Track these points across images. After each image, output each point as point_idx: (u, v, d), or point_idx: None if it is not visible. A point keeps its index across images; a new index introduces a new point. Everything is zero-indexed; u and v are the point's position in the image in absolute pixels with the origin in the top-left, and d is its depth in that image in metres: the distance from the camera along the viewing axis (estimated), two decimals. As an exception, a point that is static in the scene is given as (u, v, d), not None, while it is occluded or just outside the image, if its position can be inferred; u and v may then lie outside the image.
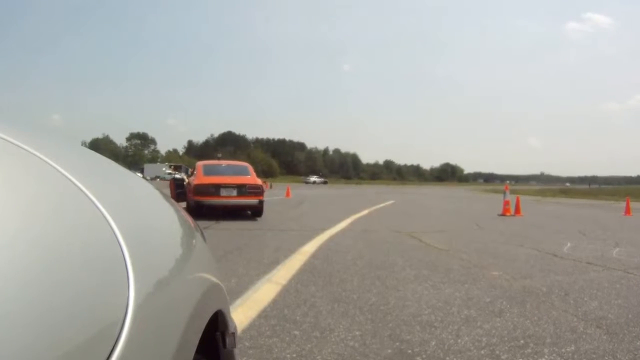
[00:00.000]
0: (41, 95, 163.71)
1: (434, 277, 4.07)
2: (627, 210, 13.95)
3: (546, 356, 2.25)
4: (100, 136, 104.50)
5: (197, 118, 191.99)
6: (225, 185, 9.31)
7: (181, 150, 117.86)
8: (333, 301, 3.18)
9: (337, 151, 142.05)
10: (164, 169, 64.81)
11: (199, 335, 0.70)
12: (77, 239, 0.52)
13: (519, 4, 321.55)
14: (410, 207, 15.89)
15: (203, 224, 7.47)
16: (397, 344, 2.39)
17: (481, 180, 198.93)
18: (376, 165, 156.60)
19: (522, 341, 2.45)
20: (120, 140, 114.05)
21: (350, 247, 5.71)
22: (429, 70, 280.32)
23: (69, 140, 0.81)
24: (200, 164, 10.57)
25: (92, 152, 0.88)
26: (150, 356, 0.52)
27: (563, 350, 2.32)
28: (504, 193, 13.13)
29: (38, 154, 0.59)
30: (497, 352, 2.29)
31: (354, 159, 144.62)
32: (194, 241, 0.90)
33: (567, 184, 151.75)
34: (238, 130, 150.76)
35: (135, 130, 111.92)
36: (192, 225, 1.00)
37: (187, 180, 10.67)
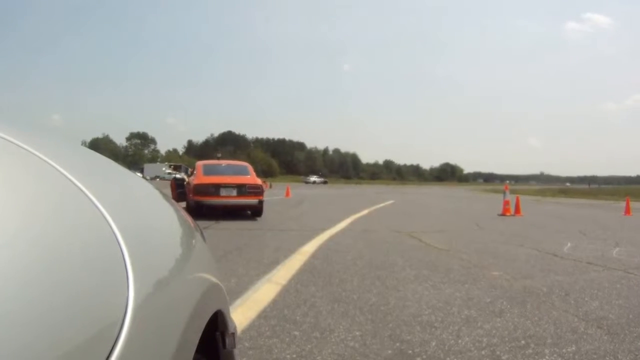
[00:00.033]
0: (41, 95, 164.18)
1: (434, 277, 4.06)
2: (627, 210, 13.94)
3: (547, 357, 2.24)
4: (100, 136, 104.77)
5: (197, 118, 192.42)
6: (225, 185, 9.31)
7: (181, 150, 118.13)
8: (333, 301, 3.17)
9: (336, 151, 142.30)
10: (163, 168, 64.89)
11: (199, 335, 0.70)
12: (76, 239, 0.52)
13: (519, 4, 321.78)
14: (410, 207, 15.88)
15: (203, 223, 7.47)
16: (398, 344, 2.39)
17: (481, 180, 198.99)
18: (376, 165, 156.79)
19: (522, 342, 2.44)
20: (120, 140, 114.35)
21: (350, 247, 5.70)
22: (428, 70, 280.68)
23: (69, 140, 0.81)
24: (200, 163, 10.57)
25: (92, 151, 0.88)
26: (150, 356, 0.52)
27: (564, 350, 2.32)
28: (504, 193, 13.12)
29: (38, 153, 0.59)
30: (498, 352, 2.28)
31: (354, 158, 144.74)
32: (193, 241, 0.90)
33: (568, 184, 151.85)
34: (238, 130, 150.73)
35: (135, 130, 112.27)
36: (192, 225, 0.99)
37: (187, 180, 10.66)
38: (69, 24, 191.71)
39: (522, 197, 14.38)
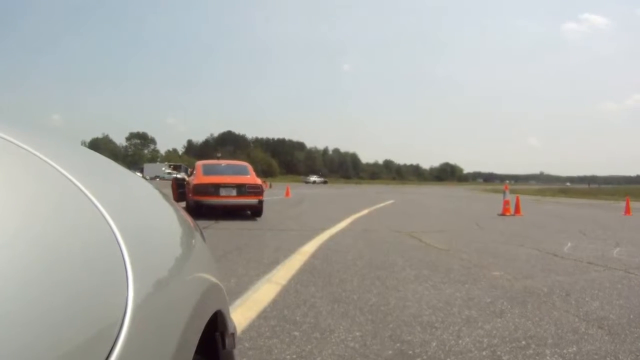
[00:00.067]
0: (41, 95, 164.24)
1: (435, 277, 4.05)
2: (627, 210, 13.94)
3: (548, 357, 2.24)
4: (100, 136, 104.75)
5: (197, 118, 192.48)
6: (225, 185, 9.30)
7: (181, 150, 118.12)
8: (333, 302, 3.17)
9: (336, 151, 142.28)
10: (163, 168, 64.94)
11: (199, 335, 0.69)
12: (76, 239, 0.52)
13: (518, 4, 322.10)
14: (410, 207, 15.88)
15: (202, 223, 7.46)
16: (398, 344, 2.38)
17: (481, 180, 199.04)
18: (376, 164, 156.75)
19: (523, 342, 2.44)
20: (120, 139, 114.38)
21: (350, 247, 5.70)
22: (428, 70, 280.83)
23: (69, 140, 0.81)
24: (199, 163, 10.56)
25: (92, 151, 0.88)
26: (149, 356, 0.52)
27: (565, 351, 2.31)
28: (504, 193, 13.12)
29: (38, 153, 0.59)
30: (499, 353, 2.28)
31: (354, 158, 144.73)
32: (193, 241, 0.89)
33: (568, 184, 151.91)
34: (238, 129, 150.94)
35: (135, 130, 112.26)
36: (192, 225, 0.99)
37: (187, 180, 10.66)
38: (69, 24, 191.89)
39: (522, 197, 14.38)
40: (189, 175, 11.18)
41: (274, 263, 4.50)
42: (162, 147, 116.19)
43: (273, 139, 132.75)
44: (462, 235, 7.51)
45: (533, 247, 6.08)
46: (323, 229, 7.48)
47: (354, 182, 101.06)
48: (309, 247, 5.56)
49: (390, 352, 2.28)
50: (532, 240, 6.84)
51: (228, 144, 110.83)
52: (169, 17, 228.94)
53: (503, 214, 11.88)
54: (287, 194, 19.87)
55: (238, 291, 3.33)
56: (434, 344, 2.40)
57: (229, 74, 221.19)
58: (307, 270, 4.22)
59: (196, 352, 0.66)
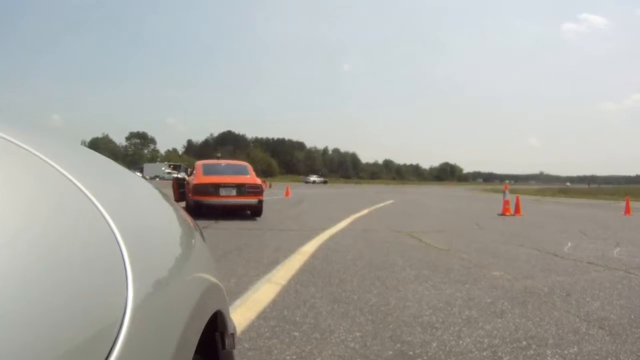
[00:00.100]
0: (41, 95, 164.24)
1: (435, 277, 4.05)
2: (627, 210, 13.94)
3: (549, 358, 2.23)
4: (99, 135, 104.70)
5: (197, 117, 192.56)
6: (225, 184, 9.29)
7: (181, 150, 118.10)
8: (333, 302, 3.16)
9: (336, 151, 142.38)
10: (163, 168, 64.95)
11: (198, 335, 0.69)
12: (76, 239, 0.52)
13: (517, 4, 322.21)
14: (410, 207, 15.87)
15: (202, 223, 7.46)
16: (398, 345, 2.37)
17: (480, 180, 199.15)
18: (375, 164, 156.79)
19: (524, 342, 2.43)
20: (120, 139, 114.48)
21: (350, 247, 5.69)
22: (428, 70, 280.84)
23: (69, 140, 0.81)
24: (199, 163, 10.56)
25: (92, 151, 0.88)
26: (149, 356, 0.52)
27: (566, 351, 2.30)
28: (504, 192, 13.12)
29: (38, 153, 0.59)
30: (500, 353, 2.27)
31: (354, 158, 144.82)
32: (193, 241, 0.89)
33: (568, 184, 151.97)
34: (237, 129, 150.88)
35: (134, 130, 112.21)
36: (192, 225, 0.99)
37: (187, 179, 10.66)
38: (69, 24, 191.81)
39: (521, 197, 14.37)
40: (189, 175, 11.17)
41: (273, 263, 4.49)
42: (162, 147, 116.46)
43: (273, 139, 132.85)
44: (462, 235, 7.50)
45: (533, 247, 6.07)
46: (323, 229, 7.48)
47: (353, 182, 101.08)
48: (309, 247, 5.55)
49: (390, 352, 2.27)
50: (532, 240, 6.84)
51: (228, 144, 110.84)
52: (169, 17, 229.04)
53: (503, 214, 11.87)
54: (287, 193, 19.87)
55: (238, 291, 3.33)
56: (435, 344, 2.39)
57: (229, 74, 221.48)
58: (307, 270, 4.22)
59: (196, 352, 0.66)
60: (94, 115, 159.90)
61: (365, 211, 12.41)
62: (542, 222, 10.53)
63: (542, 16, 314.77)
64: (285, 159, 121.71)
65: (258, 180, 9.95)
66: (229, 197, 9.25)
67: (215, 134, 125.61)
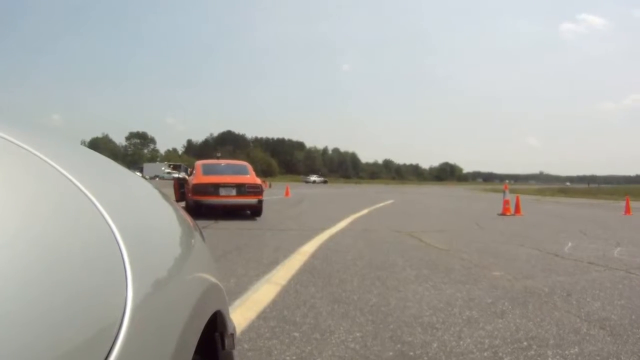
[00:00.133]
0: (41, 95, 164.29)
1: (435, 277, 4.04)
2: (627, 210, 13.93)
3: (550, 358, 2.23)
4: (99, 135, 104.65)
5: (197, 117, 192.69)
6: (225, 184, 9.28)
7: (180, 150, 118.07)
8: (333, 302, 3.15)
9: (336, 150, 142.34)
10: (163, 168, 64.96)
11: (198, 335, 0.69)
12: (76, 239, 0.52)
13: (516, 4, 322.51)
14: (410, 207, 15.86)
15: (202, 223, 7.45)
16: (399, 346, 2.37)
17: (480, 180, 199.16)
18: (375, 164, 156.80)
19: (525, 343, 2.43)
20: (120, 139, 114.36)
21: (350, 247, 5.68)
22: (428, 70, 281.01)
23: (69, 140, 0.81)
24: (199, 163, 10.55)
25: (92, 151, 0.88)
26: (148, 357, 0.52)
27: (567, 352, 2.30)
28: (504, 192, 13.11)
29: (38, 153, 0.59)
30: (500, 354, 2.26)
31: (353, 158, 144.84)
32: (192, 241, 0.89)
33: (568, 183, 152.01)
34: (237, 129, 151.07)
35: (134, 130, 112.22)
36: (191, 224, 0.99)
37: (187, 179, 10.66)
38: (69, 24, 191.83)
39: (521, 197, 14.37)
40: (189, 175, 11.17)
41: (273, 263, 4.49)
42: (162, 147, 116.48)
43: (273, 139, 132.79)
44: (462, 235, 7.50)
45: (533, 247, 6.07)
46: (323, 229, 7.47)
47: (353, 181, 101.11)
48: (309, 247, 5.54)
49: (391, 353, 2.27)
50: (532, 240, 6.83)
51: (228, 144, 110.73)
52: (169, 17, 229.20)
53: (503, 214, 11.87)
54: (287, 193, 19.87)
55: (237, 291, 3.32)
56: (435, 345, 2.39)
57: (229, 74, 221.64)
58: (307, 270, 4.21)
59: (195, 352, 0.66)
60: (94, 115, 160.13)
61: (365, 211, 12.40)
62: (542, 222, 10.52)
63: (541, 16, 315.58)
64: (285, 158, 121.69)
65: (258, 180, 9.94)
66: (229, 197, 9.25)
67: (215, 134, 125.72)
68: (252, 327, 2.59)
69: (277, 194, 19.41)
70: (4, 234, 0.43)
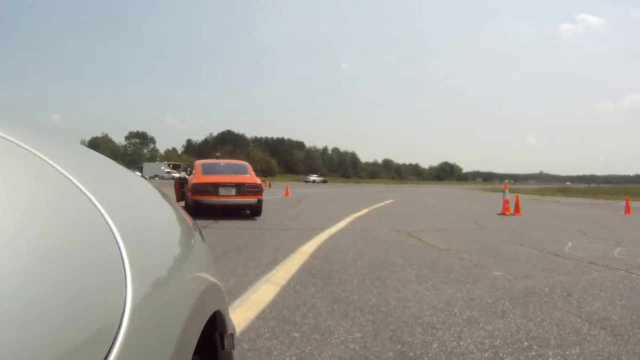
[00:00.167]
0: (41, 95, 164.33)
1: (435, 277, 4.03)
2: (627, 210, 13.93)
3: (551, 359, 2.22)
4: (99, 135, 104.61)
5: (197, 117, 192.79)
6: (224, 184, 9.27)
7: (180, 150, 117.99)
8: (333, 302, 3.15)
9: (336, 150, 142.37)
10: (163, 168, 64.98)
11: (198, 336, 0.69)
12: (76, 239, 0.52)
13: (515, 4, 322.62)
14: (410, 207, 15.86)
15: (202, 223, 7.44)
16: (399, 346, 2.36)
17: (480, 180, 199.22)
18: (375, 164, 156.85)
19: (526, 343, 2.42)
20: (120, 139, 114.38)
21: (350, 247, 5.68)
22: (428, 70, 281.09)
23: (69, 140, 0.81)
24: (199, 163, 10.54)
25: (92, 151, 0.88)
26: (148, 357, 0.51)
27: (568, 352, 2.29)
28: (504, 192, 13.11)
29: (38, 153, 0.59)
30: (501, 354, 2.26)
31: (353, 158, 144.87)
32: (192, 241, 0.89)
33: (568, 183, 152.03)
34: (237, 129, 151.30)
35: (134, 130, 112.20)
36: (191, 224, 0.99)
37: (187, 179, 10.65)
38: (69, 24, 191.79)
39: (521, 197, 14.36)
40: (188, 175, 11.16)
41: (273, 263, 4.48)
42: (162, 147, 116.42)
43: (272, 139, 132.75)
44: (463, 235, 7.49)
45: (534, 247, 6.06)
46: (323, 229, 7.46)
47: (353, 181, 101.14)
48: (309, 247, 5.54)
49: (391, 353, 2.26)
50: (532, 240, 6.82)
51: (227, 144, 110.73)
52: (169, 17, 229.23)
53: (503, 214, 11.86)
54: (287, 193, 19.86)
55: (237, 292, 3.31)
56: (436, 345, 2.38)
57: (228, 74, 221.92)
58: (306, 270, 4.20)
59: (195, 352, 0.65)
60: (93, 115, 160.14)
61: (365, 211, 12.40)
62: (543, 221, 10.52)
63: (541, 16, 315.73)
64: (285, 158, 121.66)
65: (258, 180, 9.93)
66: (229, 197, 9.24)
67: (215, 134, 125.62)
68: (251, 327, 2.58)
69: (277, 194, 19.40)
70: (4, 234, 0.43)
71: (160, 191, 0.97)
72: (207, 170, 9.94)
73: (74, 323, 0.42)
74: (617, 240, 6.95)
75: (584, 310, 3.07)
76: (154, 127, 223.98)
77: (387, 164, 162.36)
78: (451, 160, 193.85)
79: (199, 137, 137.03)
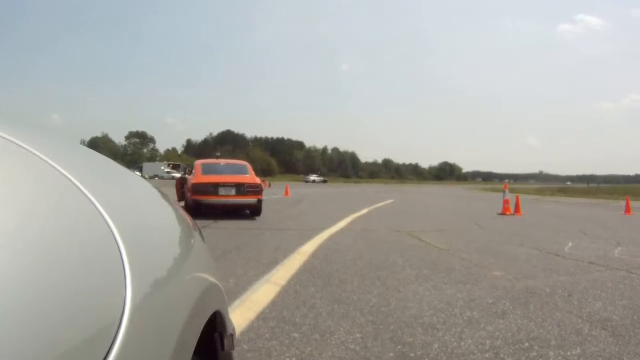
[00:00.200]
0: (41, 95, 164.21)
1: (435, 277, 4.03)
2: (627, 209, 13.92)
3: (552, 359, 2.21)
4: (99, 135, 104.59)
5: (196, 117, 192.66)
6: (224, 184, 9.27)
7: (180, 149, 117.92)
8: (333, 303, 3.14)
9: (336, 150, 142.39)
10: (162, 168, 64.98)
11: (197, 336, 0.69)
12: (75, 239, 0.52)
13: (515, 4, 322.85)
14: (410, 207, 15.85)
15: (201, 223, 7.44)
16: (400, 347, 2.35)
17: (480, 179, 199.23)
18: (375, 164, 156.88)
19: (526, 344, 2.41)
20: (120, 139, 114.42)
21: (350, 247, 5.67)
22: (428, 70, 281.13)
23: (69, 140, 0.81)
24: (198, 163, 10.54)
25: (92, 151, 0.88)
26: (148, 357, 0.51)
27: (569, 353, 2.28)
28: (504, 192, 13.10)
29: (38, 153, 0.60)
30: (502, 355, 2.25)
31: (353, 158, 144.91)
32: (192, 241, 0.89)
33: (568, 183, 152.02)
34: (237, 129, 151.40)
35: (134, 129, 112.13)
36: (191, 224, 0.99)
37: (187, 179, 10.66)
38: (69, 24, 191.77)
39: (521, 197, 14.35)
40: (188, 175, 11.16)
41: (273, 263, 4.47)
42: (162, 147, 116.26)
43: (272, 139, 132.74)
44: (463, 235, 7.49)
45: (534, 247, 6.06)
46: (323, 229, 7.46)
47: (353, 181, 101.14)
48: (309, 247, 5.53)
49: (391, 354, 2.26)
50: (532, 240, 6.82)
51: (227, 144, 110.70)
52: (169, 17, 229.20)
53: (503, 214, 11.86)
54: (287, 193, 19.86)
55: (237, 292, 3.31)
56: (436, 345, 2.38)
57: (228, 74, 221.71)
58: (306, 270, 4.20)
59: (195, 353, 0.65)
60: (93, 115, 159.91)
61: (365, 211, 12.39)
62: (543, 221, 10.51)
63: (541, 16, 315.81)
64: (284, 158, 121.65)
65: (257, 180, 9.92)
66: (229, 197, 9.23)
67: (215, 134, 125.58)
68: (251, 327, 2.57)
69: (276, 194, 19.40)
70: (4, 234, 0.43)
71: (160, 191, 0.97)
72: (207, 170, 9.94)
73: (73, 323, 0.42)
74: (618, 240, 6.95)
75: (584, 310, 3.07)
76: (153, 127, 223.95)
77: (387, 163, 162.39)
78: (451, 160, 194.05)
79: (198, 137, 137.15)
